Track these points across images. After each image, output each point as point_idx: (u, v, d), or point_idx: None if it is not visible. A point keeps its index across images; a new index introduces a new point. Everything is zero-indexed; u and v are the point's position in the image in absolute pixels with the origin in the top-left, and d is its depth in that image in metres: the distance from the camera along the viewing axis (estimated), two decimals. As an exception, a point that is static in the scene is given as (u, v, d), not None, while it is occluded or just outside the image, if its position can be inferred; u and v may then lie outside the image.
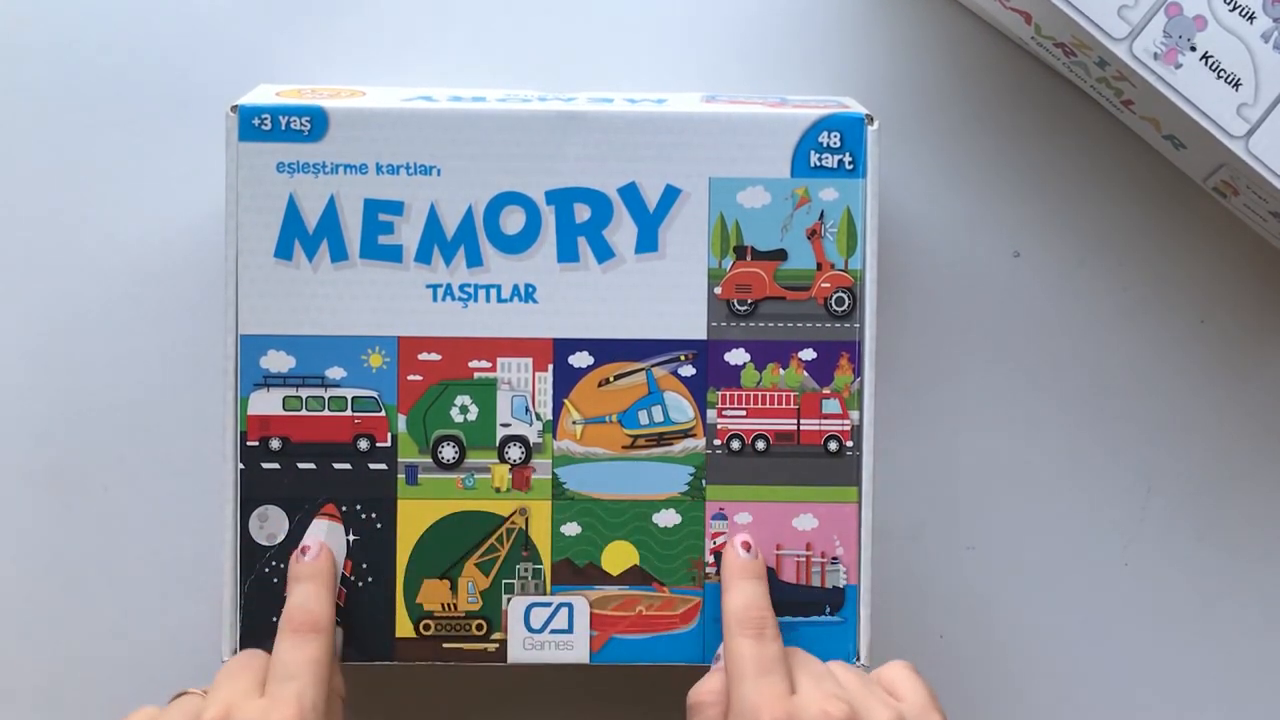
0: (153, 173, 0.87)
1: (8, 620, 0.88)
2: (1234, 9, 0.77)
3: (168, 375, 0.87)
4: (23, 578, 0.88)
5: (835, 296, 0.78)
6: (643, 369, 0.78)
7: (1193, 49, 0.77)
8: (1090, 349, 0.89)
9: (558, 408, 0.78)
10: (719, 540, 0.79)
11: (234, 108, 0.77)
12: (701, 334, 0.78)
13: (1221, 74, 0.77)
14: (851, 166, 0.78)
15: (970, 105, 0.88)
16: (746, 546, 0.78)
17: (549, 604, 0.79)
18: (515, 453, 0.78)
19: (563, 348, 0.78)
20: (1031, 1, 0.78)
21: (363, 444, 0.78)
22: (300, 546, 0.77)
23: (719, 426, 0.79)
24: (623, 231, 0.78)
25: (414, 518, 0.78)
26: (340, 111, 0.77)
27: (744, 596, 0.77)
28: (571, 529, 0.78)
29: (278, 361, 0.77)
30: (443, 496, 0.78)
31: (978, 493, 0.89)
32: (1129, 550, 0.90)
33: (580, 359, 0.78)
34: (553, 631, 0.78)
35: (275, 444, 0.78)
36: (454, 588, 0.78)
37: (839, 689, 0.74)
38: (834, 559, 0.79)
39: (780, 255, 0.78)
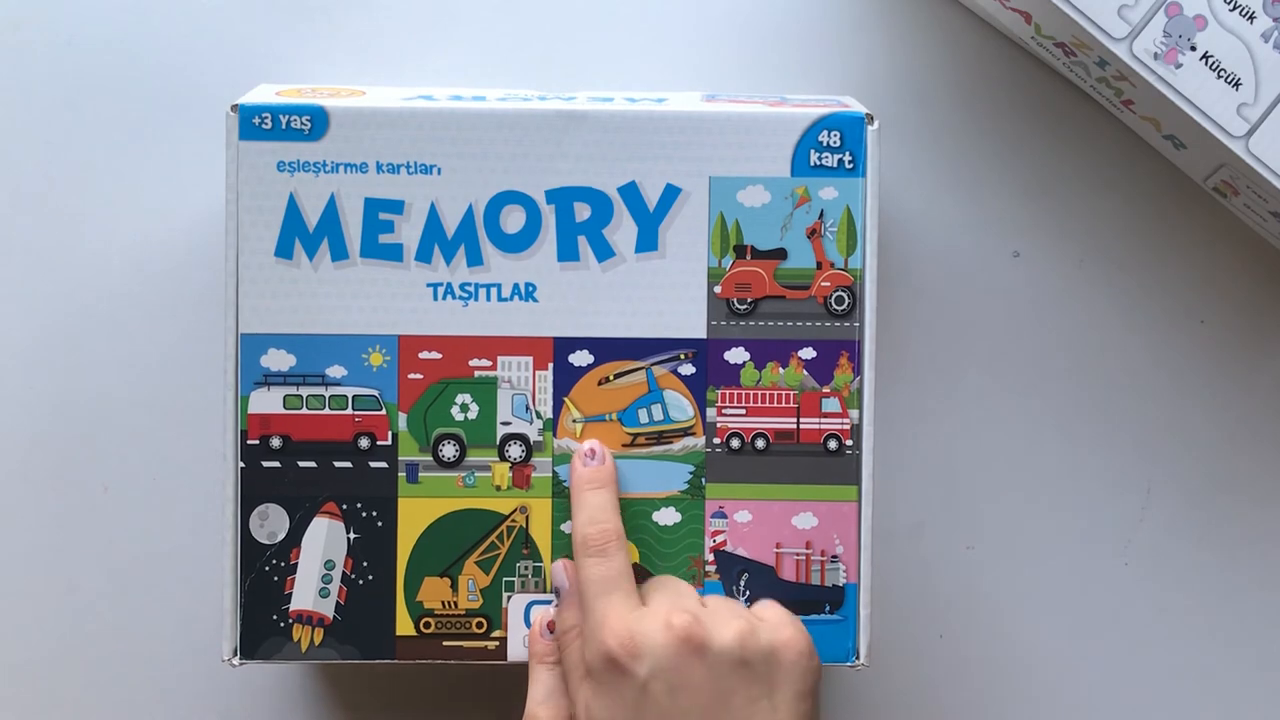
0: (153, 172, 0.87)
1: (7, 620, 0.88)
2: (1234, 9, 0.77)
3: (168, 374, 0.87)
4: (23, 578, 0.88)
5: (835, 295, 0.78)
6: (643, 368, 0.78)
7: (1193, 49, 0.77)
8: (1090, 349, 0.89)
9: (558, 406, 0.78)
10: (719, 539, 0.79)
11: (234, 107, 0.77)
12: (701, 333, 0.78)
13: (1222, 74, 0.77)
14: (851, 166, 0.78)
15: (970, 105, 0.88)
16: (592, 454, 0.78)
17: (549, 602, 0.79)
18: (515, 451, 0.78)
19: (563, 346, 0.78)
20: (1031, 1, 0.78)
21: (363, 442, 0.78)
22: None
23: (719, 425, 0.79)
24: (623, 230, 0.78)
25: (414, 516, 0.78)
26: (340, 111, 0.77)
27: (588, 511, 0.77)
28: (572, 527, 0.78)
29: (278, 360, 0.77)
30: (443, 495, 0.78)
31: (978, 493, 0.89)
32: (1129, 550, 0.90)
33: (580, 358, 0.78)
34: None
35: (276, 442, 0.78)
36: (454, 586, 0.78)
37: (687, 602, 0.75)
38: (834, 557, 0.79)
39: (780, 254, 0.78)
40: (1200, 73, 0.77)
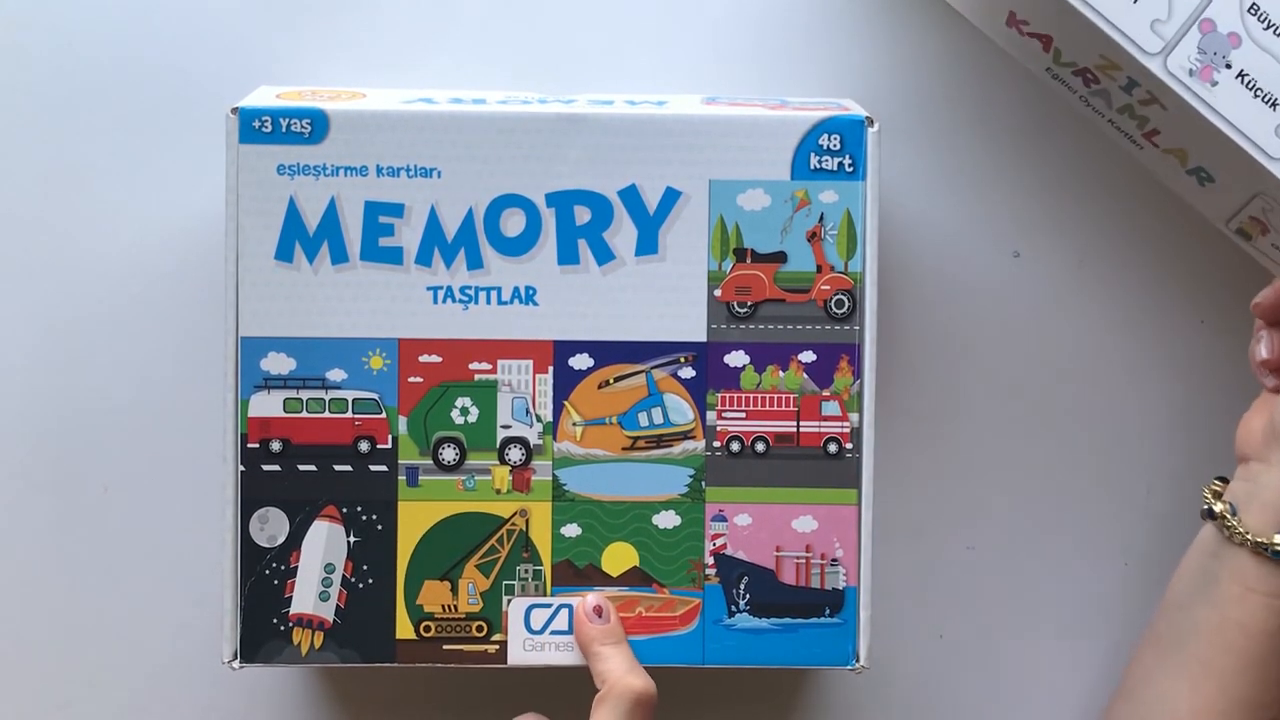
0: (153, 174, 0.87)
1: (7, 621, 0.88)
2: (1268, 27, 0.75)
3: (168, 377, 0.87)
4: (23, 578, 0.88)
5: (835, 299, 0.78)
6: (643, 371, 0.78)
7: (1228, 66, 0.75)
8: (1090, 349, 0.89)
9: (558, 409, 0.78)
10: (719, 542, 0.79)
11: (234, 110, 0.77)
12: (701, 336, 0.78)
13: (1258, 93, 0.75)
14: (851, 169, 0.78)
15: (970, 106, 0.88)
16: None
17: (549, 605, 0.79)
18: (516, 454, 0.78)
19: (563, 350, 0.78)
20: (1057, 22, 0.77)
21: (363, 446, 0.78)
22: (594, 606, 0.78)
23: (718, 428, 0.79)
24: (623, 234, 0.78)
25: (414, 519, 0.78)
26: (340, 114, 0.77)
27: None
28: (572, 530, 0.79)
29: (278, 364, 0.77)
30: (443, 498, 0.78)
31: (978, 493, 0.89)
32: (1129, 550, 0.90)
33: (580, 361, 0.78)
34: (553, 633, 0.79)
35: (276, 446, 0.78)
36: (454, 589, 0.78)
37: None
38: (834, 561, 0.79)
39: (780, 258, 0.78)
40: (1236, 91, 0.75)
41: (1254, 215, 0.80)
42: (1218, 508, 0.81)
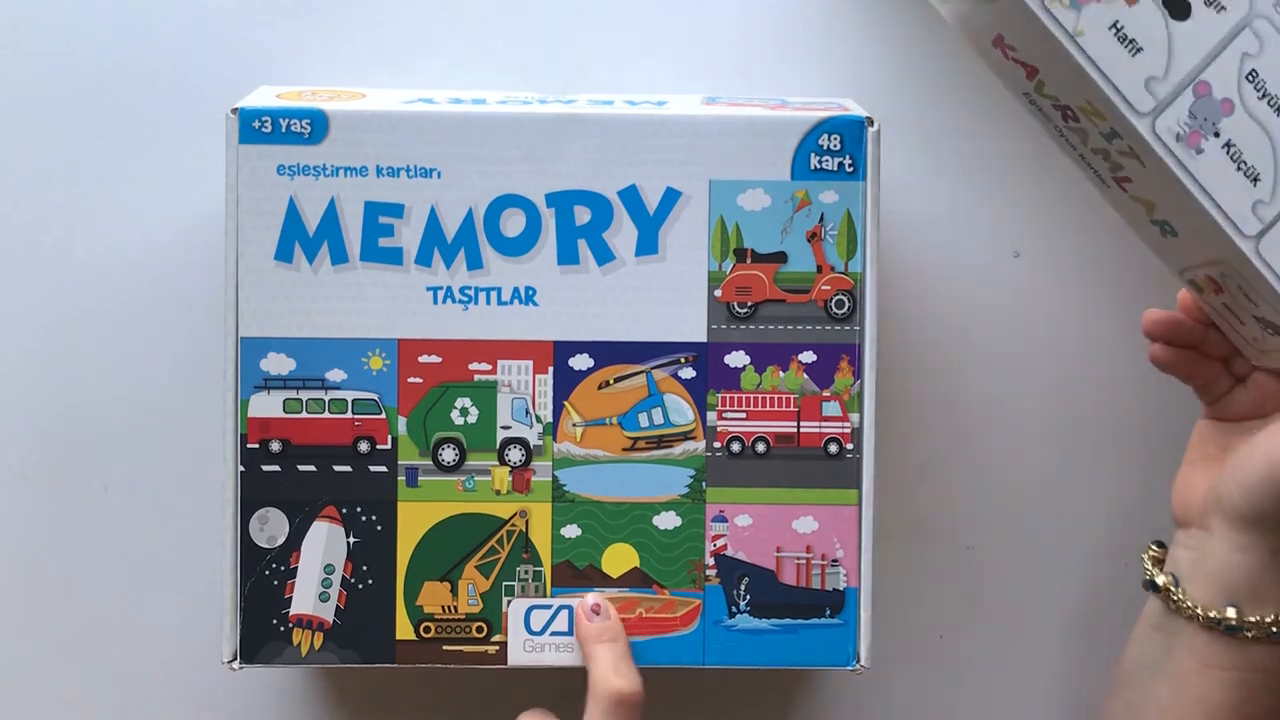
0: (153, 174, 0.87)
1: (7, 621, 0.88)
2: (1263, 96, 0.73)
3: (168, 377, 0.87)
4: (22, 578, 0.88)
5: (835, 299, 0.78)
6: (643, 371, 0.78)
7: (1216, 134, 0.72)
8: (1090, 349, 0.89)
9: (558, 410, 0.78)
10: (719, 543, 0.79)
11: (234, 110, 0.77)
12: (701, 336, 0.78)
13: (1242, 166, 0.73)
14: (852, 169, 0.77)
15: (970, 106, 0.88)
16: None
17: (549, 606, 0.79)
18: (515, 455, 0.78)
19: (563, 350, 0.78)
20: (1046, 58, 0.73)
21: (363, 446, 0.78)
22: (592, 605, 0.78)
23: (719, 429, 0.79)
24: (623, 234, 0.77)
25: (414, 520, 0.78)
26: (340, 114, 0.77)
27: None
28: (572, 531, 0.78)
29: (278, 364, 0.77)
30: (443, 499, 0.78)
31: (978, 493, 0.89)
32: (1129, 550, 0.90)
33: (580, 361, 0.78)
34: (553, 634, 0.79)
35: (275, 446, 0.78)
36: (454, 590, 0.78)
37: None
38: (834, 561, 0.79)
39: (780, 258, 0.78)
40: (1221, 162, 0.72)
41: (1210, 275, 0.77)
42: (1160, 580, 0.80)
